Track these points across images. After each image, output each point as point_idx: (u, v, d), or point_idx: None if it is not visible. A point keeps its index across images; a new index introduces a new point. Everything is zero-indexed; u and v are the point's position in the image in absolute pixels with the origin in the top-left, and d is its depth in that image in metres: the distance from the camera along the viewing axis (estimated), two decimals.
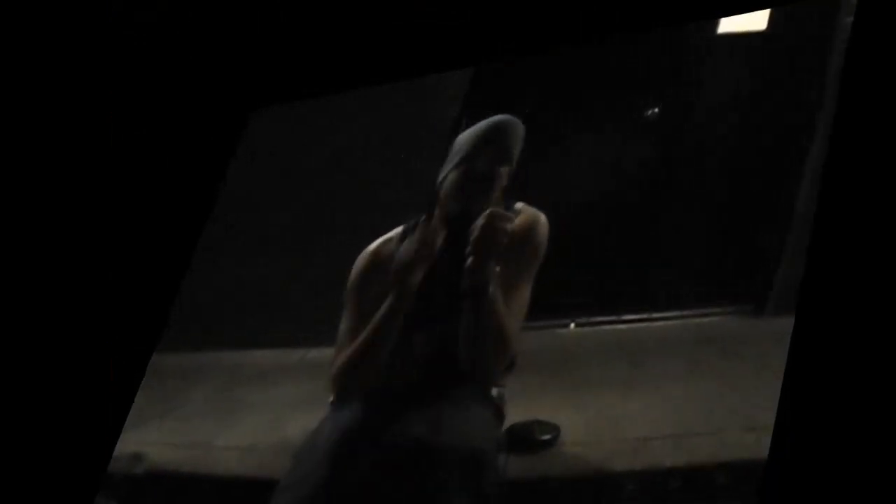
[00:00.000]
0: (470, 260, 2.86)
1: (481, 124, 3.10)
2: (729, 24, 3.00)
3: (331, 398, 2.97)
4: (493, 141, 3.05)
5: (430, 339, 2.90)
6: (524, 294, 2.84)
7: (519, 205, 2.96)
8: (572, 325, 2.83)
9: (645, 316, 2.75)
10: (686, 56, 3.03)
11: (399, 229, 3.06)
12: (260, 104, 3.65)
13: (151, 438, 3.20)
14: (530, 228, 2.90)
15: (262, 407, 3.11)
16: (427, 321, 2.92)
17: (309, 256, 3.30)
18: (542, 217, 2.92)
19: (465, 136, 3.11)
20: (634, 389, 2.64)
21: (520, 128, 3.05)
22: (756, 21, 2.96)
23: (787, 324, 2.52)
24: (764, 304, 2.61)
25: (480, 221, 2.86)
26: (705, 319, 2.68)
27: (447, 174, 3.05)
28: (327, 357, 3.01)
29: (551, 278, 2.87)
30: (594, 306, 2.81)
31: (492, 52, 3.32)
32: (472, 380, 2.84)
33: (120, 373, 3.36)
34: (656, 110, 2.99)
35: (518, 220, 2.91)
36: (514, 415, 2.75)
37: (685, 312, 2.71)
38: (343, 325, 3.01)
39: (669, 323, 2.71)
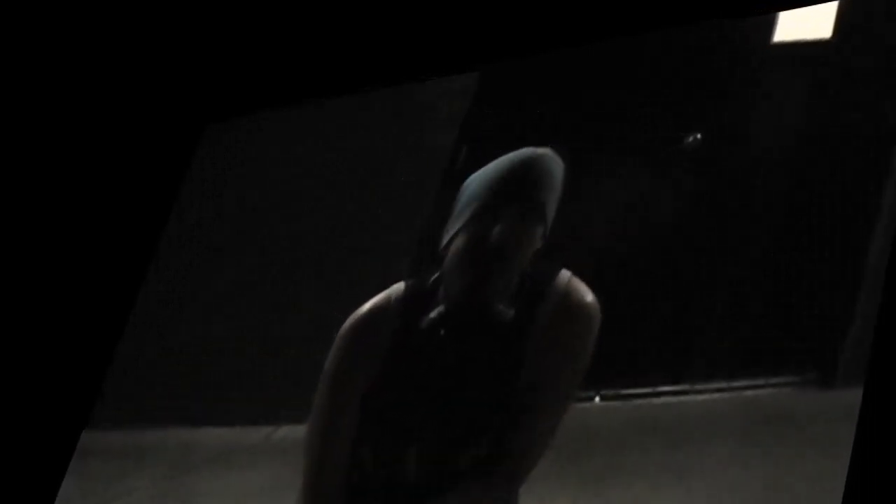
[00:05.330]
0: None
1: (503, 162, 2.73)
2: (787, 30, 2.85)
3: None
4: (517, 190, 2.65)
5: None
6: (571, 396, 2.59)
7: (564, 275, 2.61)
8: (597, 399, 2.66)
9: (685, 388, 2.59)
10: (734, 69, 2.86)
11: (400, 287, 2.73)
12: (217, 116, 3.48)
13: None
14: (582, 320, 2.56)
15: (218, 496, 2.99)
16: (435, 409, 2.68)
17: (275, 312, 3.16)
18: (592, 299, 2.60)
19: (479, 179, 2.72)
20: (671, 478, 2.49)
21: (556, 166, 2.66)
22: (820, 27, 2.80)
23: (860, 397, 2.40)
24: (834, 373, 2.45)
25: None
26: (759, 392, 2.52)
27: (454, 234, 2.66)
28: (297, 435, 2.87)
29: None
30: (623, 376, 2.65)
31: (495, 57, 3.10)
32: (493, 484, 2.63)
33: (42, 454, 3.23)
34: (698, 136, 2.82)
35: (568, 302, 2.56)
36: None
37: (733, 384, 2.55)
38: (314, 417, 2.76)
39: (714, 396, 2.56)
